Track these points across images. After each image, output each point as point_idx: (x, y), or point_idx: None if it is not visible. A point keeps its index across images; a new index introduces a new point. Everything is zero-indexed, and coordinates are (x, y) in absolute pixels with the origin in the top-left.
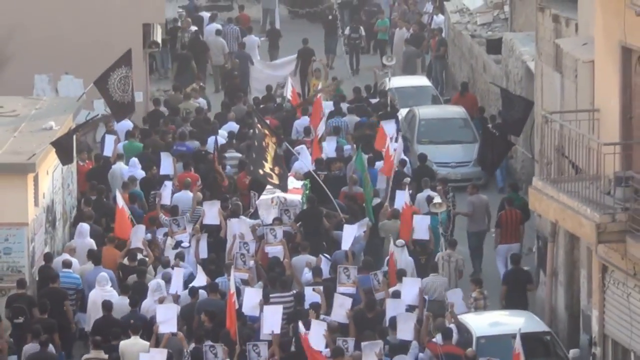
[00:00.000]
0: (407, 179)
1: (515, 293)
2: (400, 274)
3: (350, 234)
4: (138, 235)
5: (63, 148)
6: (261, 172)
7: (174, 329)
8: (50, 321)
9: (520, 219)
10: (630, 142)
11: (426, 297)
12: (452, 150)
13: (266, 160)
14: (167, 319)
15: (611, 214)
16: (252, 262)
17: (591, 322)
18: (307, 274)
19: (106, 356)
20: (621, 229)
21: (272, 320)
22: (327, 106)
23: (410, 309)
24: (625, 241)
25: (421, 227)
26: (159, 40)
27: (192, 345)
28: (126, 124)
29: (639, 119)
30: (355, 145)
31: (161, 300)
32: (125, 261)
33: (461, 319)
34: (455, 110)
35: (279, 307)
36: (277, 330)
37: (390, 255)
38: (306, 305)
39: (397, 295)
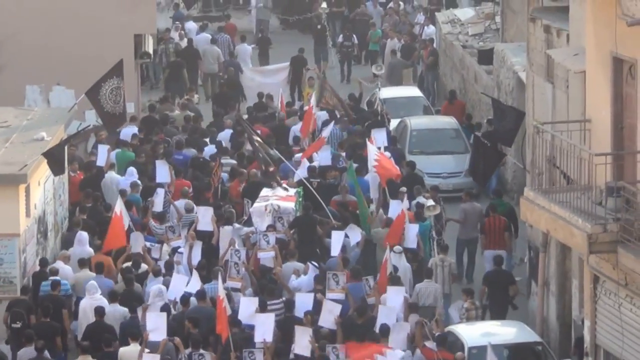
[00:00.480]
0: (404, 188)
1: (497, 294)
2: (394, 280)
3: (338, 240)
4: (138, 242)
5: (55, 159)
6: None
7: (164, 336)
8: (53, 324)
9: (505, 225)
10: (622, 152)
11: (419, 302)
12: (443, 160)
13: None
14: (156, 327)
15: (603, 224)
16: (244, 270)
17: (583, 332)
18: (294, 281)
19: None
20: (613, 239)
21: (263, 329)
22: (321, 116)
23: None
24: (617, 251)
25: (410, 235)
26: (151, 50)
27: (188, 350)
28: (132, 130)
29: (631, 129)
30: (345, 155)
31: (144, 309)
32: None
33: (452, 330)
34: (447, 121)
35: (270, 315)
36: (269, 339)
37: (384, 262)
38: (296, 313)
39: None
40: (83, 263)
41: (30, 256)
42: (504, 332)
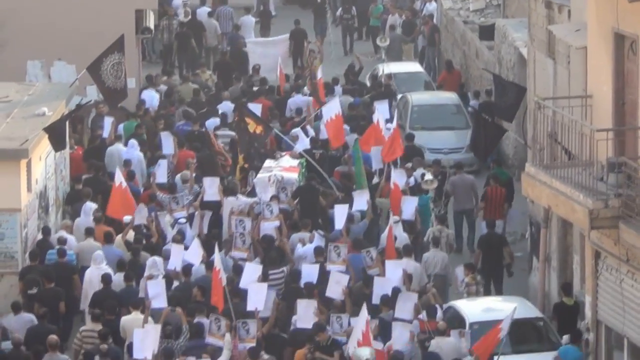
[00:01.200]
0: (409, 164)
1: (491, 257)
2: (407, 250)
3: (342, 213)
4: (142, 214)
5: (56, 134)
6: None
7: (164, 304)
8: (57, 290)
9: (505, 196)
10: (623, 128)
11: (427, 272)
12: (444, 136)
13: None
14: (157, 294)
15: (604, 199)
16: (249, 241)
17: (584, 308)
18: (299, 250)
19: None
20: (614, 214)
21: (255, 298)
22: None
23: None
24: (618, 227)
25: (408, 208)
26: (152, 26)
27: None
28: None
29: (632, 104)
30: (349, 127)
31: (149, 278)
32: (130, 239)
33: (453, 305)
34: (448, 97)
35: (263, 284)
36: (261, 307)
37: (389, 229)
38: (302, 284)
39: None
40: (89, 232)
41: (31, 231)
42: (505, 307)
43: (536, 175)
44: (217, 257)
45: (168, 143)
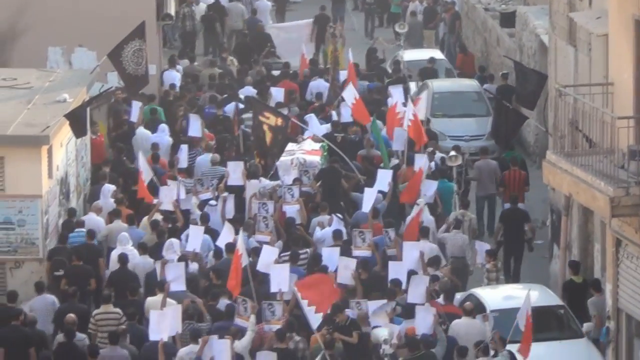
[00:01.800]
0: (430, 148)
1: (512, 231)
2: (423, 231)
3: (370, 196)
4: (169, 198)
5: (76, 120)
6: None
7: (183, 287)
8: (86, 267)
9: (524, 178)
10: None
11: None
12: (465, 123)
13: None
14: (176, 277)
15: (625, 187)
16: (272, 224)
17: (605, 296)
18: (318, 233)
19: (117, 310)
20: (635, 202)
21: (279, 280)
22: (342, 75)
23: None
24: (639, 215)
25: (428, 190)
26: (173, 12)
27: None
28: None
29: None
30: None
31: (163, 263)
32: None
33: (474, 292)
34: (469, 84)
35: (285, 265)
36: (285, 289)
37: (418, 211)
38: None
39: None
40: (115, 214)
41: (52, 218)
42: (525, 295)
43: (557, 162)
44: (240, 240)
45: (196, 126)
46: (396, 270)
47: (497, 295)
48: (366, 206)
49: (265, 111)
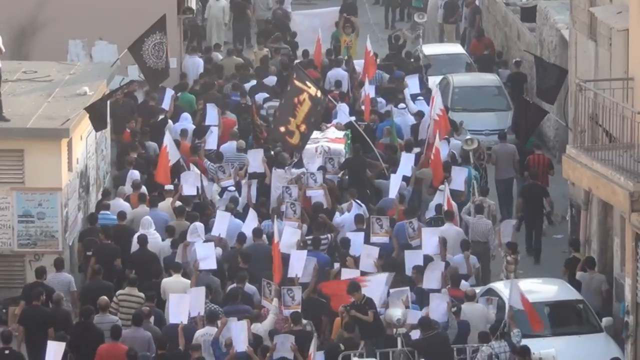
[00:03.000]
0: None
1: (531, 205)
2: (448, 215)
3: (396, 183)
4: (190, 183)
5: (97, 114)
6: (282, 129)
7: (214, 266)
8: (112, 246)
9: (548, 162)
10: None
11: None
12: (485, 118)
13: (294, 117)
14: (206, 256)
15: None
16: (300, 209)
17: (624, 290)
18: (337, 218)
19: (140, 293)
20: None
21: (297, 265)
22: (359, 64)
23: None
24: None
25: (458, 177)
26: (193, 6)
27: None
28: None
29: None
30: (383, 99)
31: (185, 245)
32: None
33: (493, 287)
34: (490, 79)
35: (303, 252)
36: (300, 274)
37: (447, 198)
38: (350, 251)
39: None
40: (142, 199)
41: (72, 211)
42: (545, 289)
43: (577, 157)
44: (276, 229)
45: (213, 114)
46: (412, 259)
47: None
48: (392, 192)
49: (307, 80)
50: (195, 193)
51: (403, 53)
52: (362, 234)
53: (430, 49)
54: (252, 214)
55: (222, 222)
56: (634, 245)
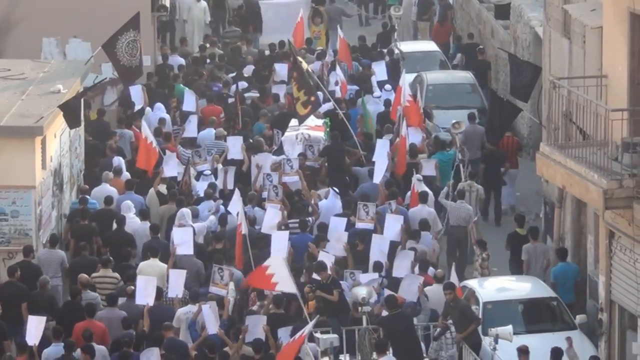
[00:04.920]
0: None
1: (492, 169)
2: (422, 196)
3: (381, 167)
4: (170, 165)
5: (71, 111)
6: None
7: (191, 251)
8: (90, 226)
9: (518, 145)
10: (638, 108)
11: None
12: (459, 115)
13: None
14: (183, 241)
15: (618, 180)
16: (282, 193)
17: (598, 288)
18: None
19: (115, 274)
20: (628, 195)
21: (278, 246)
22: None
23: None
24: (633, 207)
25: (427, 164)
26: (167, 4)
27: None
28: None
29: None
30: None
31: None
32: (162, 189)
33: (467, 284)
34: (463, 76)
35: (284, 232)
36: (284, 255)
37: (413, 187)
38: (329, 235)
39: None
40: (129, 186)
41: (45, 209)
42: (518, 287)
43: (551, 154)
44: (241, 211)
45: (190, 101)
46: (379, 244)
47: (490, 288)
48: (377, 177)
49: (298, 55)
50: (175, 174)
51: (378, 46)
52: (345, 220)
53: (404, 47)
54: (236, 195)
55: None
56: (607, 243)
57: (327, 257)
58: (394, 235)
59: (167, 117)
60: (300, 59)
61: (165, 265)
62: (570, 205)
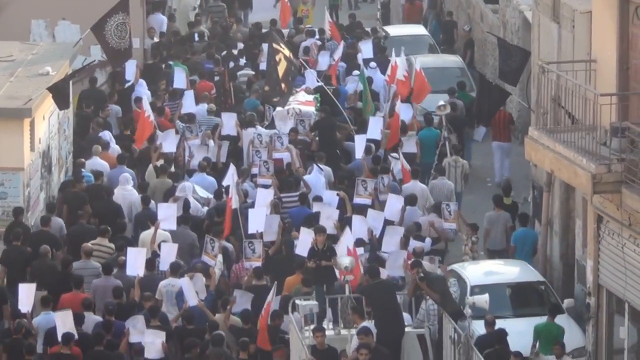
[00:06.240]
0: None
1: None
2: (414, 173)
3: (361, 143)
4: (169, 141)
5: (59, 93)
6: (267, 88)
7: (174, 227)
8: (81, 194)
9: (509, 118)
10: (627, 93)
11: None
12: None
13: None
14: (167, 217)
15: (607, 164)
16: (272, 168)
17: (586, 272)
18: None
19: (110, 244)
20: (617, 179)
21: (255, 222)
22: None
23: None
24: (621, 192)
25: (407, 142)
26: None
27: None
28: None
29: (636, 69)
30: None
31: (175, 200)
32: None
33: (455, 268)
34: (453, 60)
35: (262, 209)
36: (261, 229)
37: (402, 164)
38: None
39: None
40: (121, 160)
41: (34, 190)
42: (506, 271)
43: (539, 139)
44: (232, 186)
45: (181, 77)
46: (374, 218)
47: (478, 271)
48: (358, 153)
49: (280, 42)
50: (174, 150)
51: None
52: (333, 194)
53: (393, 30)
54: (231, 170)
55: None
56: (595, 227)
57: (308, 233)
58: (393, 214)
59: (147, 94)
60: (281, 46)
61: (167, 234)
62: (559, 189)
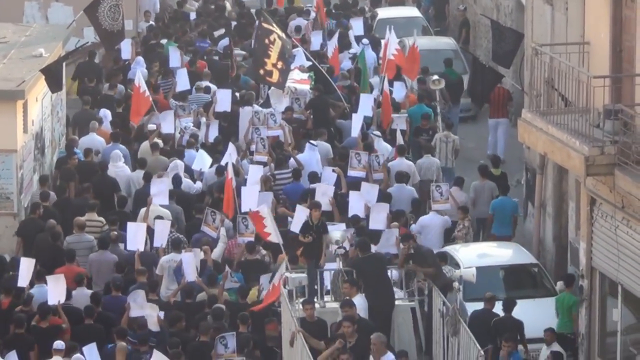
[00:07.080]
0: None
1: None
2: (401, 149)
3: (358, 122)
4: (168, 121)
5: (52, 75)
6: (261, 71)
7: (166, 202)
8: (70, 170)
9: (507, 95)
10: (620, 75)
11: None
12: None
13: (268, 57)
14: (159, 192)
15: (600, 146)
16: (269, 145)
17: (579, 254)
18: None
19: (100, 218)
20: (610, 161)
21: (248, 200)
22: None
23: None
24: (614, 174)
25: (398, 119)
26: None
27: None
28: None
29: (629, 51)
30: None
31: (159, 176)
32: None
33: (448, 250)
34: (446, 42)
35: (255, 187)
36: (254, 207)
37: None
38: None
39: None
40: (115, 137)
41: (27, 172)
42: (499, 253)
43: (532, 121)
44: (229, 166)
45: (175, 56)
46: (356, 201)
47: (471, 253)
48: (354, 131)
49: (272, 23)
50: (173, 131)
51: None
52: (331, 170)
53: (386, 12)
54: (231, 148)
55: (202, 158)
56: (588, 210)
57: (302, 210)
58: (379, 223)
59: (144, 72)
60: (273, 26)
61: (167, 212)
62: (552, 171)
